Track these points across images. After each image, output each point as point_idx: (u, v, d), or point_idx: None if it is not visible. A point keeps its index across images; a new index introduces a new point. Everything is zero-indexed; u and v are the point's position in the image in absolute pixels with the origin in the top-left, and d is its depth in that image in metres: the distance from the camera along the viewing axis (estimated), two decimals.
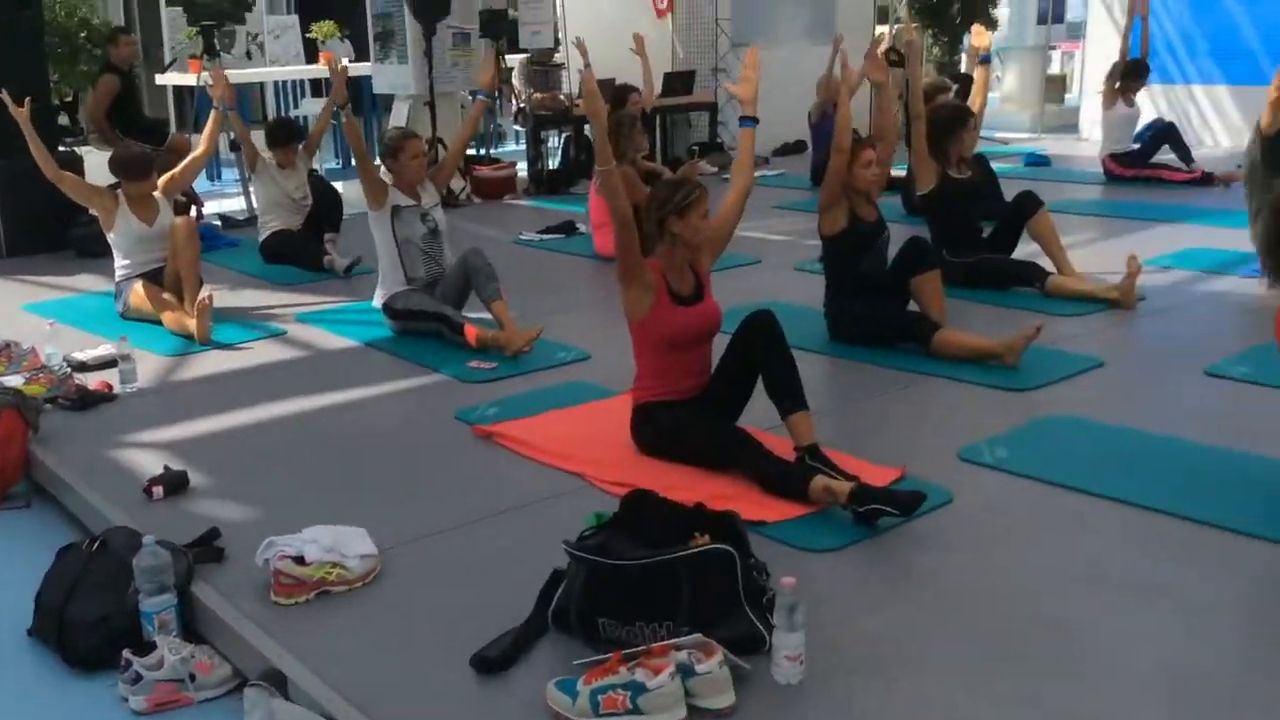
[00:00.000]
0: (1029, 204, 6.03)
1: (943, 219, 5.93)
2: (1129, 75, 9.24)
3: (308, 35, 11.94)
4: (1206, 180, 8.95)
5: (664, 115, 11.56)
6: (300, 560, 3.03)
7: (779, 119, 11.50)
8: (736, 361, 3.80)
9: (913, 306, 5.14)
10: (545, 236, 8.13)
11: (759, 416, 3.88)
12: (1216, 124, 11.54)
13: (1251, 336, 5.09)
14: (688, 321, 3.81)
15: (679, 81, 11.35)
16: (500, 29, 10.80)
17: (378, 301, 5.60)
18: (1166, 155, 9.51)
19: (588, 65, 8.31)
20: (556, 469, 3.88)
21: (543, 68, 10.98)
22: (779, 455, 3.59)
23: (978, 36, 6.58)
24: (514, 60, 11.30)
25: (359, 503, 3.65)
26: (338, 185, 8.17)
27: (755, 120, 4.11)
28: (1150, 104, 11.64)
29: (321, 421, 4.51)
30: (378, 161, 5.74)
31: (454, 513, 3.55)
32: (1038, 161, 10.90)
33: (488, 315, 5.38)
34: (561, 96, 10.63)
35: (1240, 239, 6.34)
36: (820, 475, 3.42)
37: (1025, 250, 6.18)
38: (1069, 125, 13.30)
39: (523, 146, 11.75)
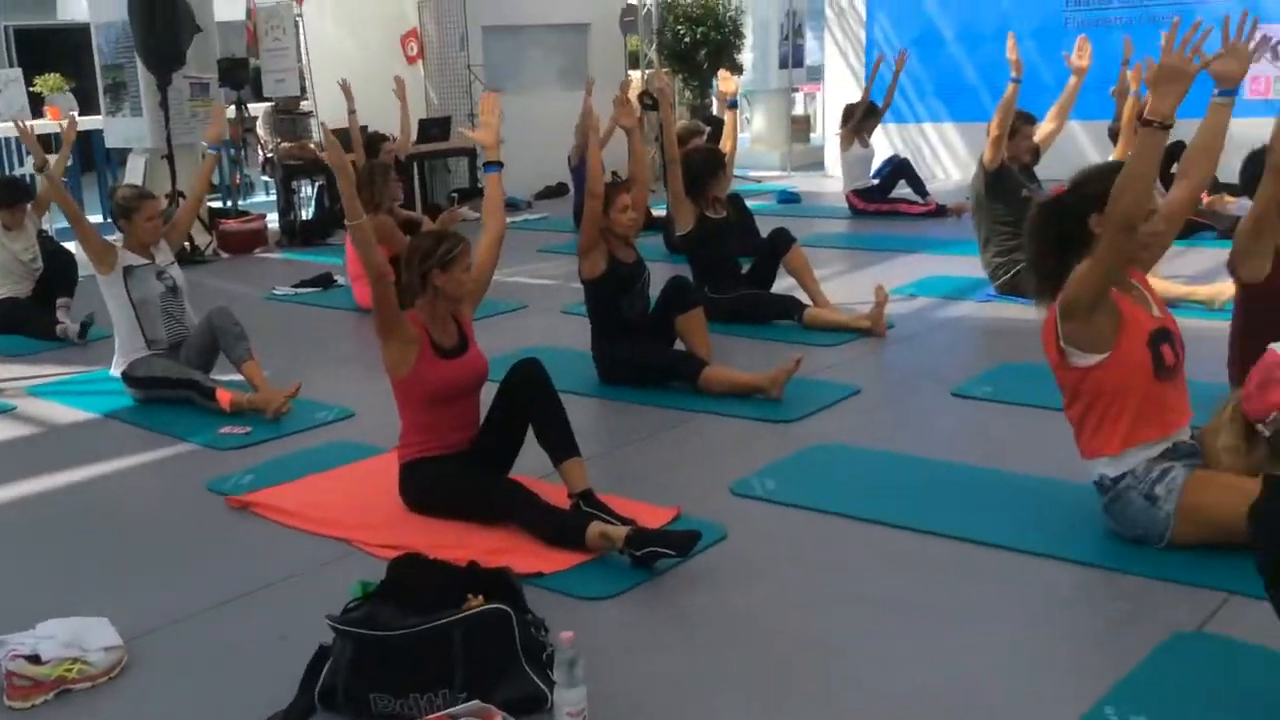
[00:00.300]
0: (782, 240, 6.24)
1: (702, 258, 6.07)
2: (863, 118, 9.80)
3: (32, 89, 11.15)
4: (940, 212, 9.52)
5: (422, 162, 11.40)
6: (35, 659, 2.76)
7: (537, 163, 11.59)
8: (505, 412, 3.72)
9: (679, 345, 5.20)
10: (301, 290, 7.83)
11: (531, 465, 3.81)
12: (946, 159, 12.34)
13: (991, 357, 5.42)
14: (453, 374, 3.70)
15: (435, 127, 11.24)
16: (241, 78, 10.41)
17: (116, 370, 5.23)
18: (904, 189, 10.10)
19: (353, 110, 8.13)
20: (321, 536, 3.68)
21: (289, 116, 10.64)
22: (554, 504, 3.53)
23: (724, 82, 6.79)
24: (258, 109, 10.91)
25: (102, 589, 3.35)
26: (70, 246, 7.62)
27: (500, 165, 4.06)
28: (886, 141, 12.38)
29: (58, 503, 4.14)
30: (107, 220, 5.38)
31: (209, 593, 3.30)
32: (789, 198, 11.34)
33: (239, 377, 5.10)
34: (311, 145, 10.31)
35: (973, 266, 6.75)
36: (596, 522, 3.37)
37: (782, 284, 6.38)
38: (816, 163, 13.94)
39: (273, 197, 11.33)
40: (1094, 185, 3.15)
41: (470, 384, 3.76)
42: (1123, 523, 3.22)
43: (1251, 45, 3.24)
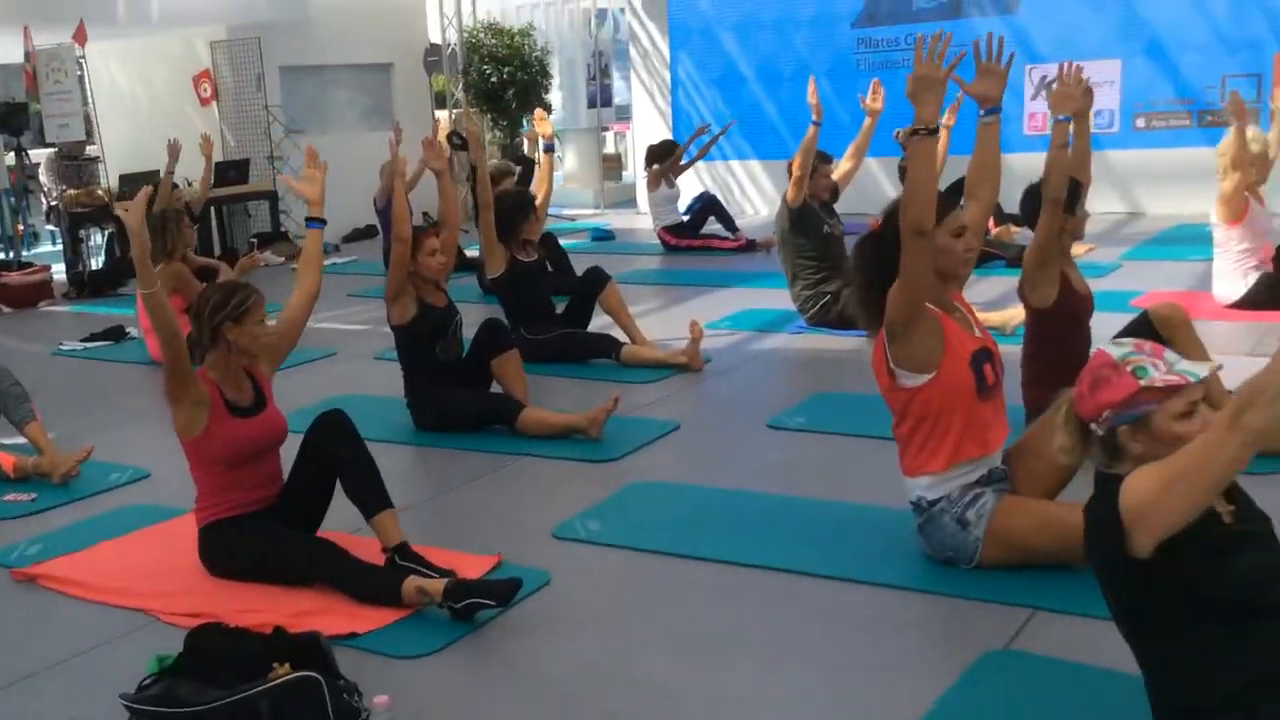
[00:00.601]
0: (597, 279, 6.24)
1: (515, 300, 6.02)
2: (665, 158, 10.12)
3: None
4: (750, 246, 9.74)
5: (220, 206, 10.97)
6: None
7: (345, 205, 11.28)
8: (309, 467, 3.55)
9: (496, 388, 5.12)
10: (90, 344, 7.39)
11: (342, 520, 3.66)
12: (754, 194, 12.67)
13: (804, 388, 5.53)
14: (248, 434, 3.51)
15: (232, 170, 10.85)
16: (20, 122, 9.83)
17: None
18: (715, 225, 10.29)
19: (171, 172, 7.82)
20: (115, 607, 3.43)
21: (75, 161, 10.09)
22: (366, 560, 3.38)
23: (540, 124, 6.76)
24: (40, 155, 10.31)
25: None
26: None
27: (322, 221, 3.91)
28: (695, 179, 12.62)
29: None
30: None
31: None
32: (603, 236, 11.41)
33: (23, 440, 4.74)
34: (100, 191, 9.79)
35: (784, 299, 6.91)
36: (412, 575, 3.25)
37: (599, 323, 6.38)
38: (628, 200, 14.10)
39: (59, 247, 10.69)
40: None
41: (267, 444, 3.58)
42: (934, 544, 3.31)
43: (1004, 65, 3.44)
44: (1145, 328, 4.09)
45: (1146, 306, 4.27)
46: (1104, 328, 4.85)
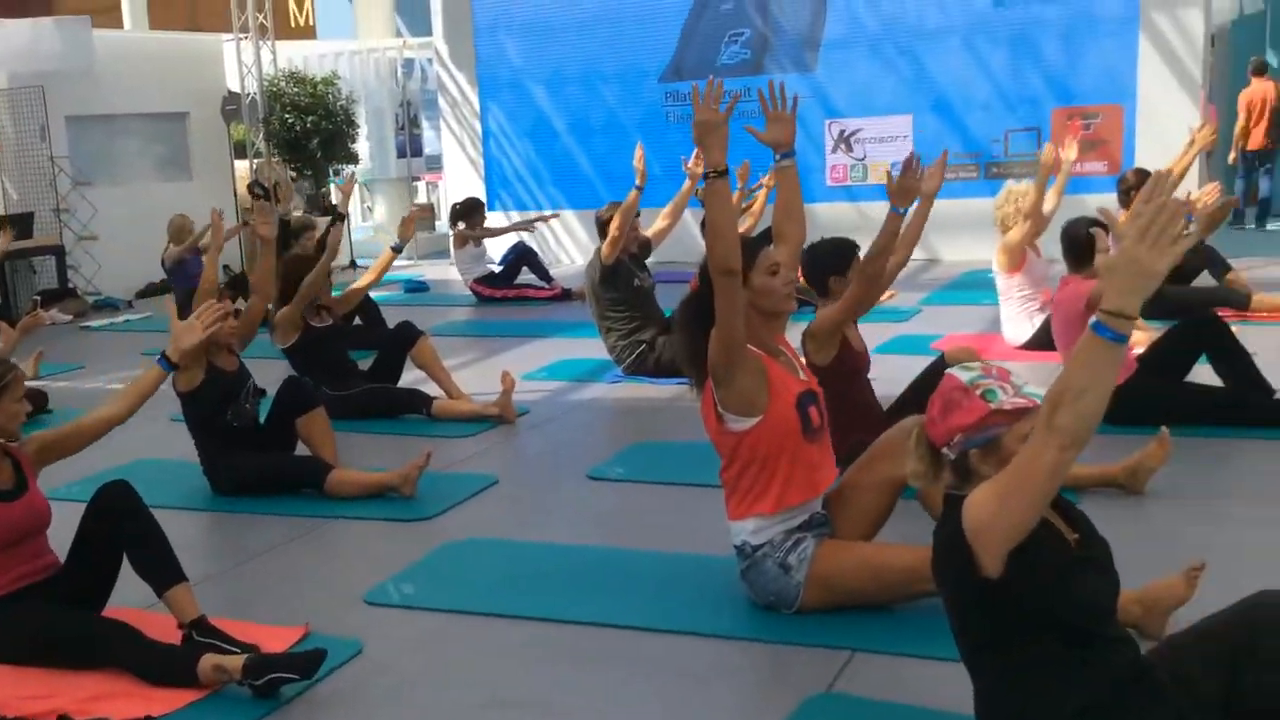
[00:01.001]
0: (408, 334, 6.08)
1: (312, 363, 5.79)
2: (469, 213, 10.09)
3: None
4: (566, 296, 9.72)
5: (0, 262, 10.25)
6: None
7: (138, 258, 10.77)
8: (91, 544, 3.29)
9: (304, 449, 4.89)
10: None
11: (136, 594, 3.39)
12: (569, 244, 12.68)
13: (623, 438, 5.50)
14: (6, 519, 3.22)
15: (16, 225, 10.15)
16: None
17: None
18: (529, 275, 10.23)
19: None
20: None
21: None
22: (158, 638, 3.13)
23: (405, 227, 6.41)
24: None
25: None
26: None
27: (175, 366, 3.75)
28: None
29: None
30: None
31: None
32: (417, 287, 11.21)
33: None
34: None
35: (600, 349, 6.89)
36: (209, 653, 3.03)
37: (412, 377, 6.21)
38: (442, 251, 13.89)
39: None
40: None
41: (27, 530, 3.28)
42: (757, 590, 3.30)
43: (789, 111, 3.54)
44: (941, 370, 4.24)
45: (944, 349, 4.43)
46: (906, 370, 5.04)
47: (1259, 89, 11.93)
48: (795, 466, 3.23)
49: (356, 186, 17.17)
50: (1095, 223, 5.75)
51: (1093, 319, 1.96)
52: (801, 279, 4.41)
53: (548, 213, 11.29)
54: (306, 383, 5.02)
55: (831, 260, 4.55)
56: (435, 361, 6.04)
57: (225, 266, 10.80)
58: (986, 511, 2.07)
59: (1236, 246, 9.58)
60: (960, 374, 2.25)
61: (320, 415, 4.83)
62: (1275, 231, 11.72)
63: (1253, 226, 11.96)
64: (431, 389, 6.04)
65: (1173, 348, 5.06)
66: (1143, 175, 7.15)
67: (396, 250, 6.27)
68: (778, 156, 3.56)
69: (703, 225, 3.27)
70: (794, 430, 3.22)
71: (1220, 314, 6.60)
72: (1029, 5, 10.34)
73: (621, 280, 6.54)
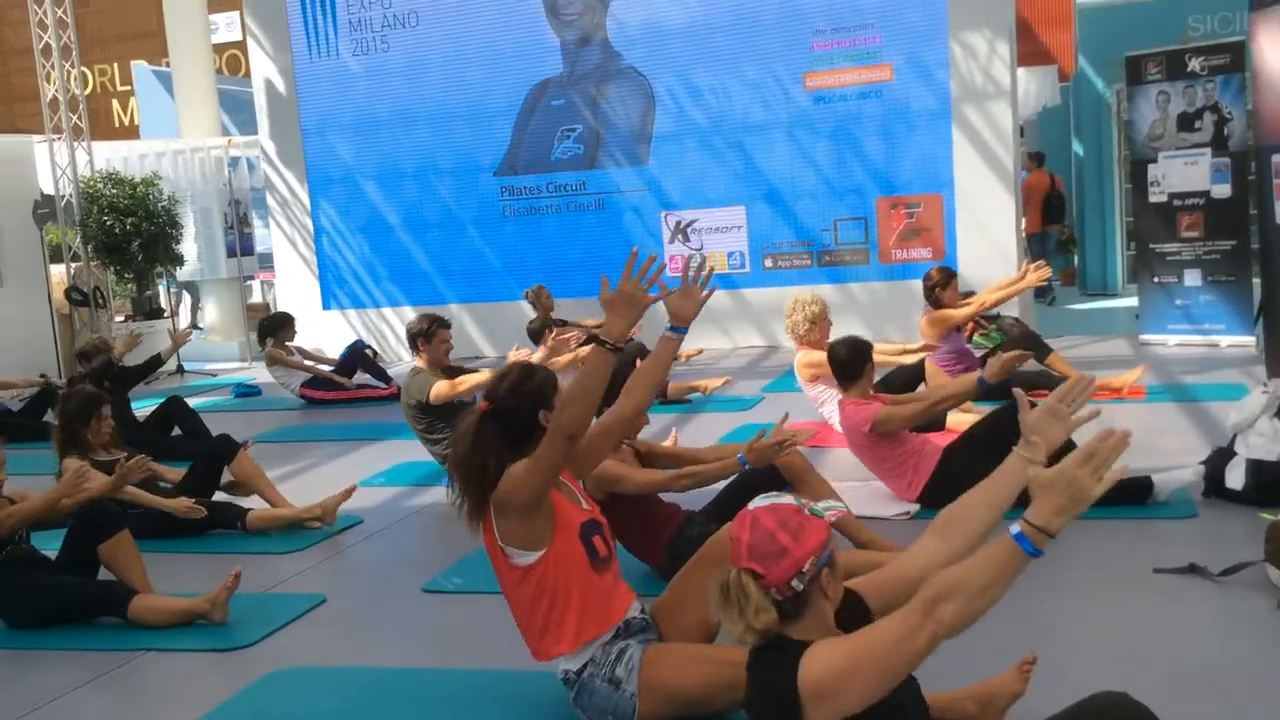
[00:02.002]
0: (224, 448, 5.75)
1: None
2: (278, 329, 9.78)
3: None
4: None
5: None
6: None
7: None
8: None
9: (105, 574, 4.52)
10: None
11: None
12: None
13: (460, 547, 5.26)
14: None
15: None
16: None
17: None
18: (365, 374, 9.95)
19: None
20: None
21: None
22: None
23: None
24: None
25: None
26: None
27: None
28: (347, 326, 12.27)
29: None
30: None
31: None
32: (247, 392, 10.76)
33: None
34: None
35: None
36: None
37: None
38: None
39: None
40: (529, 383, 3.18)
41: None
42: (592, 712, 3.13)
43: (705, 291, 3.21)
44: (771, 472, 4.23)
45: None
46: None
47: (1036, 179, 13.07)
48: (588, 598, 3.11)
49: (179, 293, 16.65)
50: (1012, 393, 6.00)
51: (1014, 528, 1.92)
52: None
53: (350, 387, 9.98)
54: (108, 504, 4.64)
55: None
56: (257, 474, 5.72)
57: (43, 375, 10.17)
58: (832, 675, 1.98)
59: (1050, 326, 10.04)
60: (775, 501, 2.17)
61: (125, 539, 4.46)
62: (1073, 308, 12.33)
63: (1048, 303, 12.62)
64: (246, 503, 5.70)
65: (998, 429, 5.17)
66: (947, 273, 7.41)
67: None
68: (669, 326, 3.18)
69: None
70: (581, 562, 3.10)
71: (1042, 396, 6.90)
72: (847, 101, 10.73)
73: (444, 407, 6.23)
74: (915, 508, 5.05)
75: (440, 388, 6.10)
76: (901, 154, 10.63)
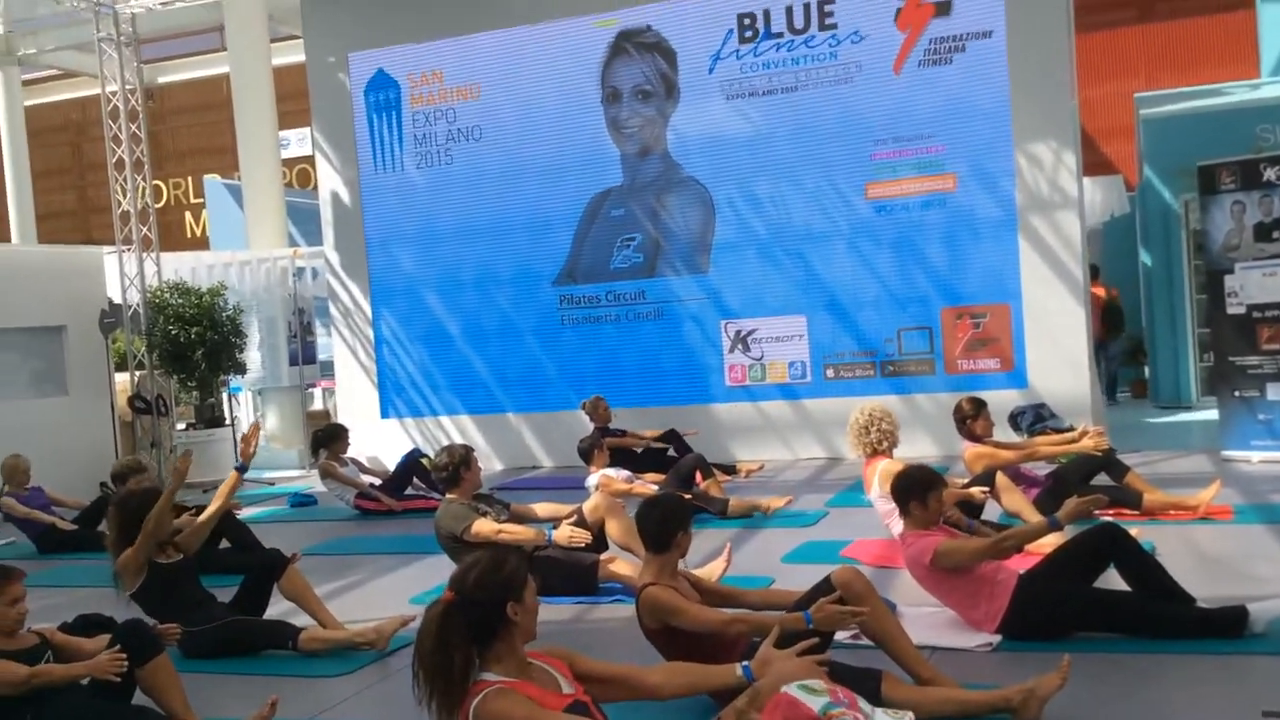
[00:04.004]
0: (273, 562, 5.60)
1: (166, 603, 5.29)
2: (331, 441, 9.75)
3: None
4: None
5: None
6: None
7: None
8: None
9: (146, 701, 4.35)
10: None
11: None
12: None
13: None
14: None
15: None
16: None
17: None
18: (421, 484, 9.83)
19: None
20: None
21: None
22: None
23: (246, 441, 5.96)
24: None
25: None
26: None
27: None
28: (405, 435, 12.22)
29: None
30: None
31: None
32: (303, 502, 10.69)
33: None
34: None
35: None
36: None
37: (282, 608, 5.72)
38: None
39: None
40: (494, 574, 3.05)
41: None
42: None
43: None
44: (829, 592, 3.99)
45: (831, 572, 4.16)
46: (810, 578, 4.69)
47: (1094, 291, 12.69)
48: None
49: (250, 396, 16.79)
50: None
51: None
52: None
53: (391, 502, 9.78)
54: (145, 628, 4.48)
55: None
56: (305, 591, 5.56)
57: (103, 484, 10.17)
58: None
59: (1124, 439, 9.68)
60: (809, 700, 1.99)
61: (163, 664, 4.28)
62: (1146, 421, 11.93)
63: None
64: (298, 620, 5.53)
65: (1076, 553, 4.89)
66: (977, 404, 7.15)
67: (240, 471, 5.81)
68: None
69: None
70: None
71: (1119, 514, 6.58)
72: (909, 210, 10.63)
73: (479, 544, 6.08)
74: (996, 639, 4.73)
75: (481, 528, 5.99)
76: (966, 263, 10.47)
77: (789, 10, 10.89)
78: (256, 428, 5.97)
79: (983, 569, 4.80)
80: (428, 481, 9.75)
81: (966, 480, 6.86)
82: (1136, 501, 6.87)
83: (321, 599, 5.68)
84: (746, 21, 11.05)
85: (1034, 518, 5.96)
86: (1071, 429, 8.61)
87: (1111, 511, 6.54)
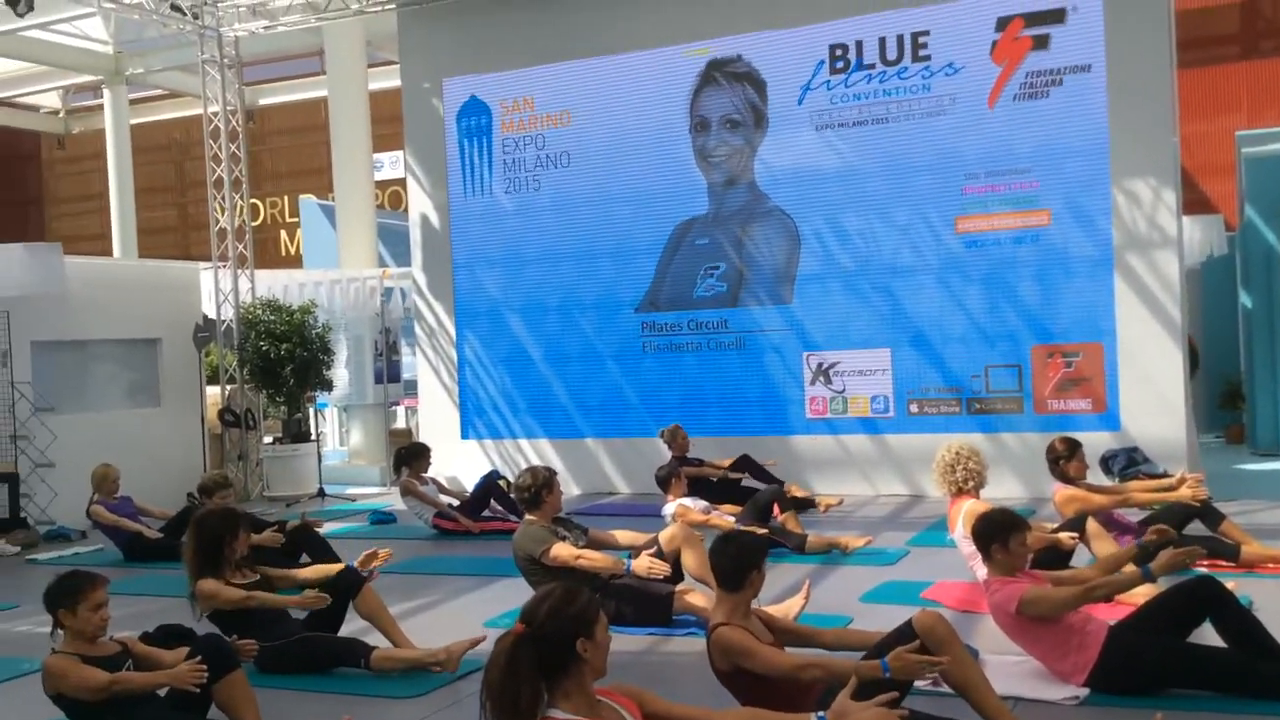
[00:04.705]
0: (350, 582, 5.63)
1: (243, 620, 5.31)
2: (413, 459, 9.88)
3: None
4: None
5: None
6: None
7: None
8: None
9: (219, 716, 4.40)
10: None
11: None
12: None
13: None
14: None
15: None
16: None
17: None
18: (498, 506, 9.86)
19: None
20: None
21: None
22: None
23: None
24: None
25: None
26: None
27: None
28: (484, 456, 12.30)
29: None
30: None
31: None
32: (383, 519, 10.79)
33: None
34: None
35: None
36: None
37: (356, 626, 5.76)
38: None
39: None
40: (565, 608, 3.02)
41: None
42: None
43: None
44: (909, 638, 3.87)
45: (912, 616, 4.04)
46: (889, 619, 4.57)
47: None
48: None
49: (336, 412, 17.07)
50: None
51: None
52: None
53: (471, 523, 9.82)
54: (223, 643, 4.54)
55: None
56: (380, 610, 5.58)
57: (190, 495, 10.39)
58: None
59: (1221, 488, 9.33)
60: None
61: (239, 679, 4.34)
62: (1244, 469, 11.51)
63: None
64: (373, 639, 5.55)
65: (1171, 605, 4.70)
66: (1071, 444, 6.93)
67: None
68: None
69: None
70: None
71: (1214, 566, 6.34)
72: (1001, 245, 10.43)
73: (558, 569, 5.97)
74: (1084, 692, 4.55)
75: (560, 552, 5.95)
76: (1059, 301, 10.23)
77: (882, 42, 10.80)
78: (387, 555, 5.89)
79: (1071, 618, 4.64)
80: (506, 503, 9.79)
81: (1056, 525, 6.65)
82: (1234, 553, 6.61)
83: (395, 619, 5.70)
84: (838, 52, 10.99)
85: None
86: (1165, 474, 8.33)
87: (1207, 563, 6.31)
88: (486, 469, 11.03)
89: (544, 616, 2.97)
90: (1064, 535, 6.26)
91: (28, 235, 24.64)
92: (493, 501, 9.89)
